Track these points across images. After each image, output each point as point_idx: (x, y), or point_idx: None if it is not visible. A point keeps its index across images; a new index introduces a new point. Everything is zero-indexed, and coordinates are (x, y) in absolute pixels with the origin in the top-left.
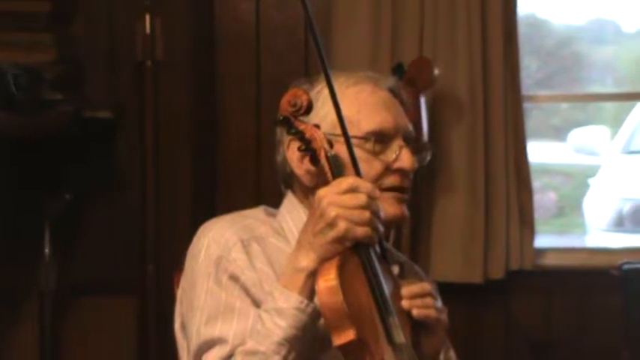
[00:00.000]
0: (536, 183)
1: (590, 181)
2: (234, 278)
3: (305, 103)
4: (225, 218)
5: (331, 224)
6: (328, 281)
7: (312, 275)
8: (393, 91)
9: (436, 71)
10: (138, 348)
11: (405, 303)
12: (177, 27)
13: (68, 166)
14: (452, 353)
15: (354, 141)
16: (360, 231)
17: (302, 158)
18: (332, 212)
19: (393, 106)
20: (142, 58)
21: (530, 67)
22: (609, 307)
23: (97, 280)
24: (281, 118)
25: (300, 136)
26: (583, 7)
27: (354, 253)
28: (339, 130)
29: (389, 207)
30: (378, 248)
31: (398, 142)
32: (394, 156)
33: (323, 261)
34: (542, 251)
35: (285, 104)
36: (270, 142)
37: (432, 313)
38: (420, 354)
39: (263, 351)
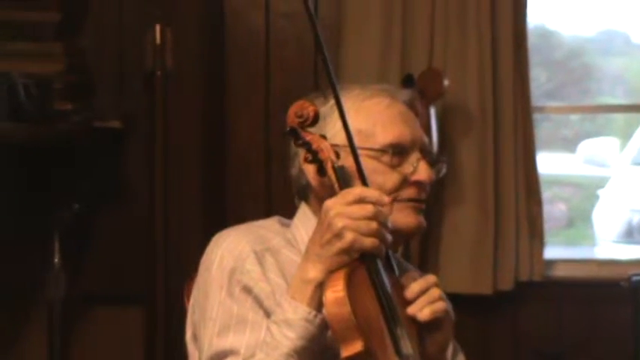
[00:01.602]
0: (546, 194)
1: (600, 192)
2: (247, 290)
3: (312, 114)
4: (239, 229)
5: (338, 235)
6: (336, 292)
7: (320, 286)
8: (408, 104)
9: (446, 82)
10: (146, 358)
11: (410, 309)
12: (187, 37)
13: (77, 177)
14: (461, 357)
15: (371, 153)
16: (368, 242)
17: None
18: (339, 223)
19: (410, 118)
20: (151, 68)
21: (539, 78)
22: (618, 319)
23: (105, 291)
24: (288, 129)
25: (307, 147)
26: (593, 18)
27: (361, 264)
28: (354, 143)
29: (406, 217)
30: (386, 259)
31: (415, 155)
32: (412, 168)
33: (330, 272)
34: (551, 262)
35: (292, 115)
36: (280, 152)
37: (438, 306)
38: (426, 355)
39: None
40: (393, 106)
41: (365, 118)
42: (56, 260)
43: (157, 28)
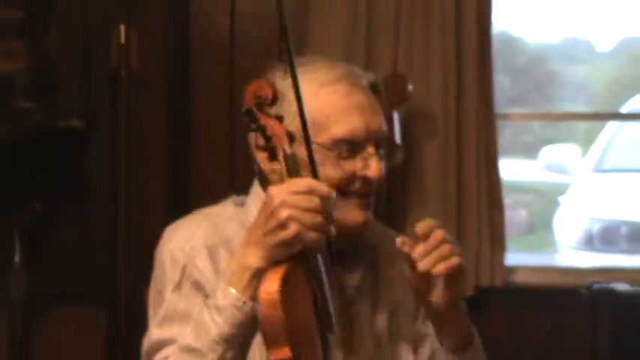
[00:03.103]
0: (507, 200)
1: (561, 199)
2: (197, 286)
3: (270, 96)
4: (192, 220)
5: (282, 225)
6: (270, 294)
7: (258, 274)
8: (372, 88)
9: (410, 87)
10: (107, 359)
11: (421, 265)
12: (152, 37)
13: (39, 175)
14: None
15: (321, 147)
16: (311, 235)
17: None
18: (284, 213)
19: (368, 108)
20: (116, 67)
21: (503, 84)
22: (578, 326)
23: (67, 291)
24: (244, 109)
25: (261, 131)
26: (556, 25)
27: (301, 261)
28: (309, 134)
29: (352, 212)
30: (328, 253)
31: (367, 150)
32: (362, 164)
33: (270, 261)
34: (512, 269)
35: (249, 95)
36: (245, 153)
37: (452, 262)
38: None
39: (198, 348)
40: (351, 95)
41: (319, 108)
42: (17, 259)
43: (122, 27)
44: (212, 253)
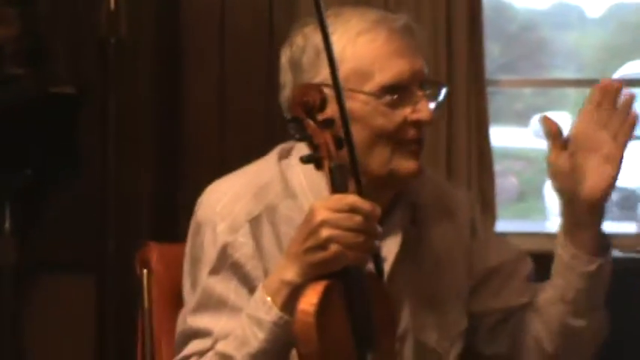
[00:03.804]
0: (498, 167)
1: None
2: (236, 267)
3: (317, 101)
4: (235, 186)
5: (322, 246)
6: (305, 314)
7: (297, 290)
8: (407, 30)
9: None
10: (97, 326)
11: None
12: (141, 4)
13: (30, 142)
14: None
15: (369, 96)
16: (352, 256)
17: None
18: (324, 233)
19: (409, 50)
20: (105, 34)
21: (492, 51)
22: None
23: (57, 258)
24: (291, 117)
25: (308, 140)
26: None
27: (340, 278)
28: (351, 85)
29: (405, 162)
30: (375, 262)
31: (415, 92)
32: (411, 109)
33: (309, 278)
34: (502, 235)
35: (296, 103)
36: (235, 119)
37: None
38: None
39: (238, 359)
40: (391, 40)
41: (361, 57)
42: (7, 226)
43: None
44: (254, 227)
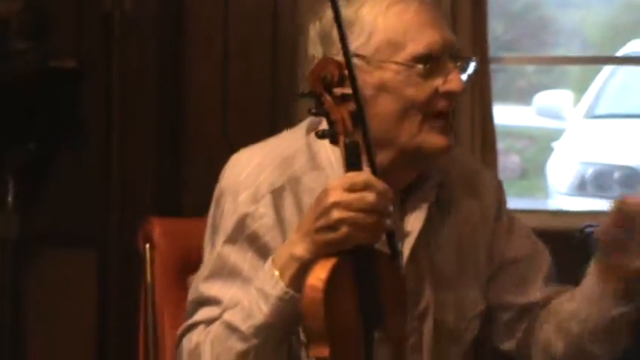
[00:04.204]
0: (500, 145)
1: (554, 144)
2: (253, 238)
3: (336, 76)
4: (260, 154)
5: (333, 227)
6: (314, 290)
7: (306, 265)
8: (436, 1)
9: None
10: (99, 300)
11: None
12: None
13: (33, 116)
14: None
15: (402, 66)
16: (363, 237)
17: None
18: (335, 214)
19: (439, 21)
20: (110, 8)
21: (496, 30)
22: (571, 270)
23: (60, 231)
24: (308, 92)
25: (325, 116)
26: None
27: (351, 256)
28: (382, 56)
29: (435, 138)
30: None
31: (447, 63)
32: (442, 80)
33: (319, 255)
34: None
35: (314, 78)
36: (237, 96)
37: None
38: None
39: (243, 330)
40: (421, 12)
41: (393, 27)
42: (10, 200)
43: None
44: (276, 198)
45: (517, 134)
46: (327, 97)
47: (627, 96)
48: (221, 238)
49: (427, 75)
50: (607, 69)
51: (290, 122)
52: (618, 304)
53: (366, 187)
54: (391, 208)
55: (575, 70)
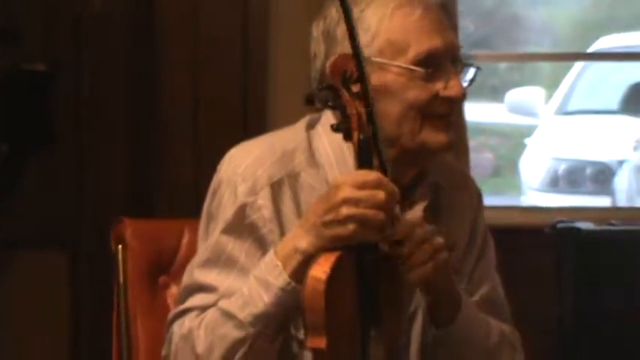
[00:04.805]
0: (473, 143)
1: (527, 141)
2: (252, 228)
3: (355, 73)
4: (260, 148)
5: (341, 222)
6: (316, 282)
7: (309, 258)
8: (442, 5)
9: None
10: (72, 303)
11: (410, 276)
12: None
13: (4, 118)
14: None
15: (403, 69)
16: (369, 234)
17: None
18: (345, 211)
19: (443, 25)
20: (79, 10)
21: (467, 28)
22: (544, 265)
23: (31, 234)
24: (325, 85)
25: (341, 110)
26: None
27: (353, 251)
28: (384, 58)
29: (436, 135)
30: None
31: (448, 68)
32: (443, 85)
33: (322, 249)
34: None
35: (335, 72)
36: (208, 95)
37: (437, 263)
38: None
39: (240, 318)
40: (428, 15)
41: (396, 30)
42: None
43: None
44: (275, 191)
45: (489, 131)
46: (345, 92)
47: (598, 92)
48: (219, 226)
49: (428, 79)
50: (578, 66)
51: (262, 123)
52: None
53: (377, 186)
54: (397, 209)
55: (546, 67)
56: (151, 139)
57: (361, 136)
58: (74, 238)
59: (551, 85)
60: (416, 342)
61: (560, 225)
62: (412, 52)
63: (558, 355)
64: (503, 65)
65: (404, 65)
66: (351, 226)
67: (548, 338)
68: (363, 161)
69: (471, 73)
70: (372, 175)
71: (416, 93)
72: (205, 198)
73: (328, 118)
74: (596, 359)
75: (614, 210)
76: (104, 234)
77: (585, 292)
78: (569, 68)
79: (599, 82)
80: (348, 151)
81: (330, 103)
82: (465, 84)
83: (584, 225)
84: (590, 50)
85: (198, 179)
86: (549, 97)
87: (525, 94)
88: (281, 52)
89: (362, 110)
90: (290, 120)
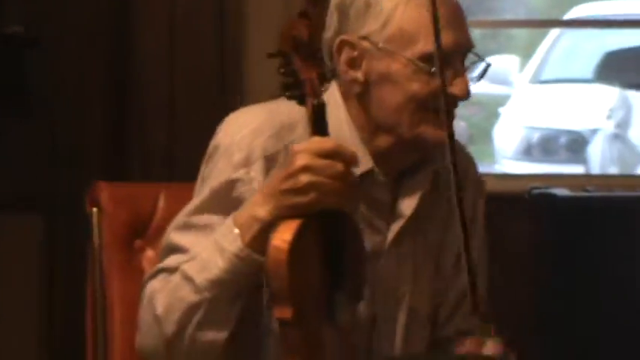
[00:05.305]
0: None
1: (501, 110)
2: (239, 201)
3: (306, 37)
4: (261, 117)
5: (300, 191)
6: (279, 251)
7: (268, 227)
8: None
9: None
10: (46, 266)
11: None
12: None
13: None
14: None
15: (409, 60)
16: (329, 202)
17: (352, 64)
18: (303, 178)
19: (457, 21)
20: None
21: None
22: (520, 232)
23: (7, 198)
24: (276, 52)
25: (293, 76)
26: None
27: (316, 218)
28: (393, 47)
29: (433, 131)
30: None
31: (456, 65)
32: (450, 81)
33: (281, 218)
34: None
35: (284, 37)
36: (184, 69)
37: None
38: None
39: (197, 283)
40: (441, 9)
41: (409, 20)
42: None
43: None
44: (269, 164)
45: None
46: (296, 58)
47: (573, 61)
48: (205, 192)
49: (435, 73)
50: (553, 34)
51: (239, 88)
52: None
53: (335, 153)
54: (356, 175)
55: (521, 34)
56: (127, 103)
57: (315, 102)
58: (50, 201)
59: (526, 54)
60: (401, 326)
61: (535, 191)
62: (420, 46)
63: (536, 316)
64: (477, 33)
65: (411, 58)
66: (311, 195)
67: (525, 300)
68: (318, 127)
69: (482, 68)
70: (329, 143)
71: (419, 86)
72: (180, 164)
73: (333, 94)
74: (571, 317)
75: (588, 177)
76: (80, 198)
77: (562, 257)
78: (543, 36)
79: (573, 51)
80: (347, 125)
81: (282, 70)
82: (473, 81)
83: (560, 191)
84: (565, 17)
85: (173, 144)
86: (524, 65)
87: (500, 62)
88: (259, 12)
89: (315, 76)
90: (268, 85)
